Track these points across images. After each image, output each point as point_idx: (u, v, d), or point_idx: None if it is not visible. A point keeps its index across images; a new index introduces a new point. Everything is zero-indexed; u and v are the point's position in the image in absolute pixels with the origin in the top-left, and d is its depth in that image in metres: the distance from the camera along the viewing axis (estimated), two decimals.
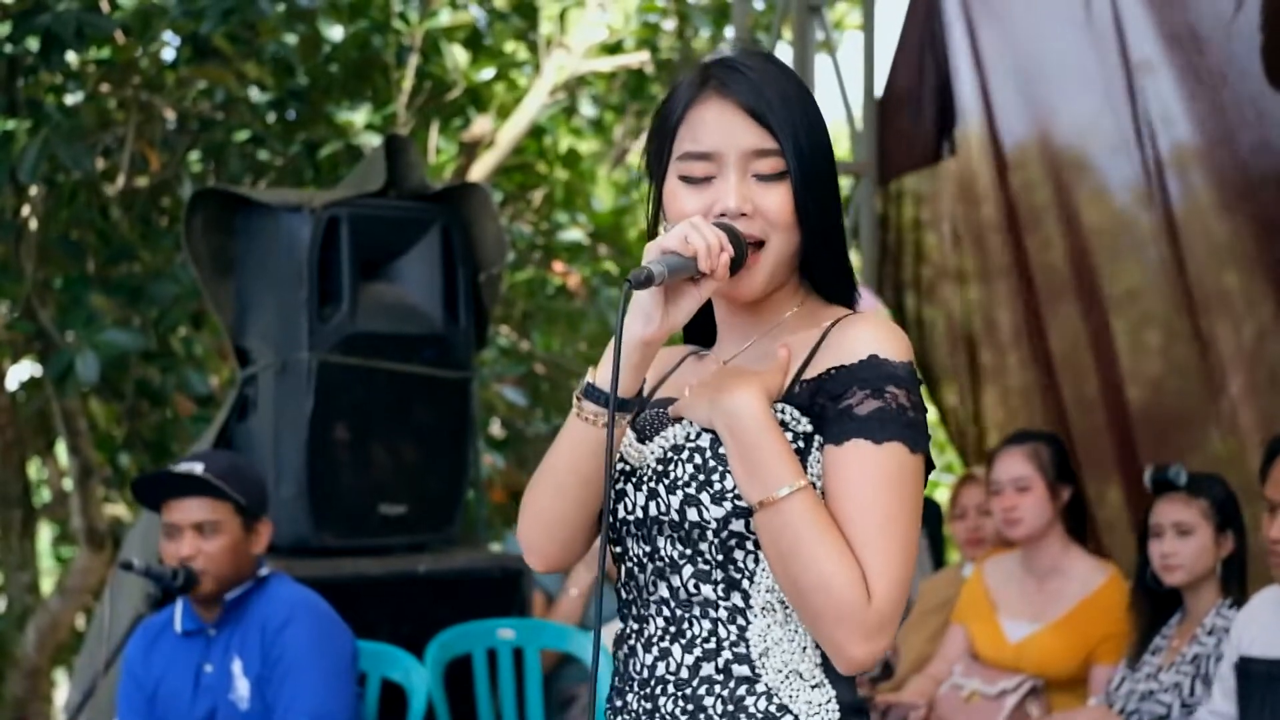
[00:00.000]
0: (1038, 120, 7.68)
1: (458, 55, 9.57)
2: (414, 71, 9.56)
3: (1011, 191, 7.80)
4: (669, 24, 11.34)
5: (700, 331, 2.76)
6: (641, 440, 2.60)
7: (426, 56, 9.59)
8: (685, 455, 2.52)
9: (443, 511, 6.46)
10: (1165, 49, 7.05)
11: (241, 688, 5.05)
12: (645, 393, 2.71)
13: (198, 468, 5.08)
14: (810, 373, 2.52)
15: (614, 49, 11.21)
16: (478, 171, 10.29)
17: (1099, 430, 7.43)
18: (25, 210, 8.57)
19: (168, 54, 8.55)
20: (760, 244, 2.56)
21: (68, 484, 10.44)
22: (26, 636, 10.05)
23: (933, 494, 9.13)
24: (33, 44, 7.47)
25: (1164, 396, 7.28)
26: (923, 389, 2.52)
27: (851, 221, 8.61)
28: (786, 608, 2.49)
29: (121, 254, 8.66)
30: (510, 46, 10.50)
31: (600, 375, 2.55)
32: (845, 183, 10.21)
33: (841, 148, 11.55)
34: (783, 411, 2.49)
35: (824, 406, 2.48)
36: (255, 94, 8.97)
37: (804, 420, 2.49)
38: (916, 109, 8.22)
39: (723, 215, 2.55)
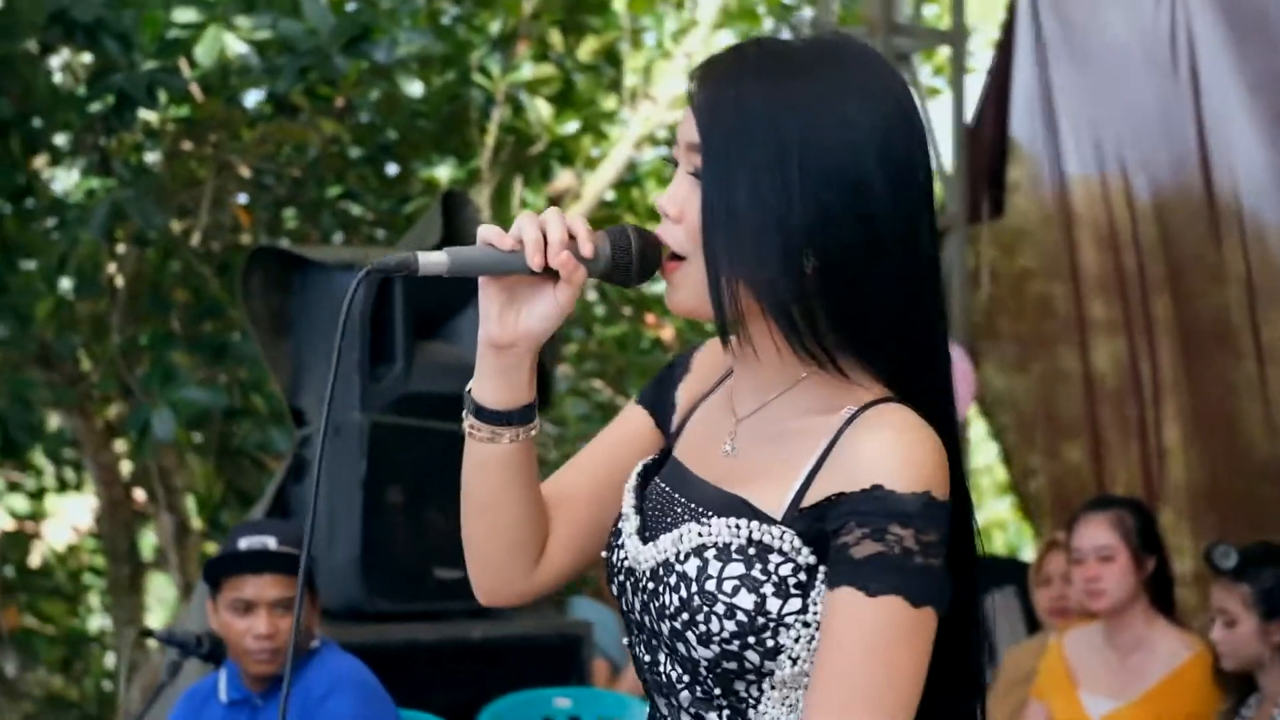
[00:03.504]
0: (1183, 168, 7.55)
1: (541, 109, 9.52)
2: (498, 125, 9.52)
3: (1157, 241, 7.65)
4: None
5: None
6: (644, 534, 2.29)
7: (514, 110, 9.55)
8: (673, 581, 2.19)
9: None
10: None
11: None
12: (677, 420, 2.43)
13: (270, 542, 4.98)
14: (815, 493, 2.14)
15: None
16: (562, 212, 10.23)
17: (1255, 487, 7.26)
18: (112, 268, 8.61)
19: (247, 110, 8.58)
20: (683, 256, 2.23)
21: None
22: (130, 695, 10.07)
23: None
24: (109, 102, 7.49)
25: None
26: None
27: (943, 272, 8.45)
28: None
29: (209, 312, 8.68)
30: (597, 99, 10.44)
31: (475, 386, 2.32)
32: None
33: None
34: (781, 538, 2.13)
35: (825, 541, 2.13)
36: (351, 150, 9.00)
37: (805, 550, 2.13)
38: (1030, 156, 8.10)
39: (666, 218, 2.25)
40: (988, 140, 8.23)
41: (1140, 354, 7.79)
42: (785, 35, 2.71)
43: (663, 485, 2.32)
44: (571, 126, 10.00)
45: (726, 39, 11.25)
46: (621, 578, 2.30)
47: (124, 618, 10.51)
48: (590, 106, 10.21)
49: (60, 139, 8.28)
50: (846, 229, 2.12)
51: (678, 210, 2.21)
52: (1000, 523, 14.83)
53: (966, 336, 8.28)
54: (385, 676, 5.14)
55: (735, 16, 11.12)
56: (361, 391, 6.09)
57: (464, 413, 2.33)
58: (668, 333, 11.05)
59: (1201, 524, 7.45)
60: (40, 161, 8.48)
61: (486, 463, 2.33)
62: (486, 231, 2.22)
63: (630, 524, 2.31)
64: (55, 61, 8.33)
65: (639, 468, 2.38)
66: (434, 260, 2.18)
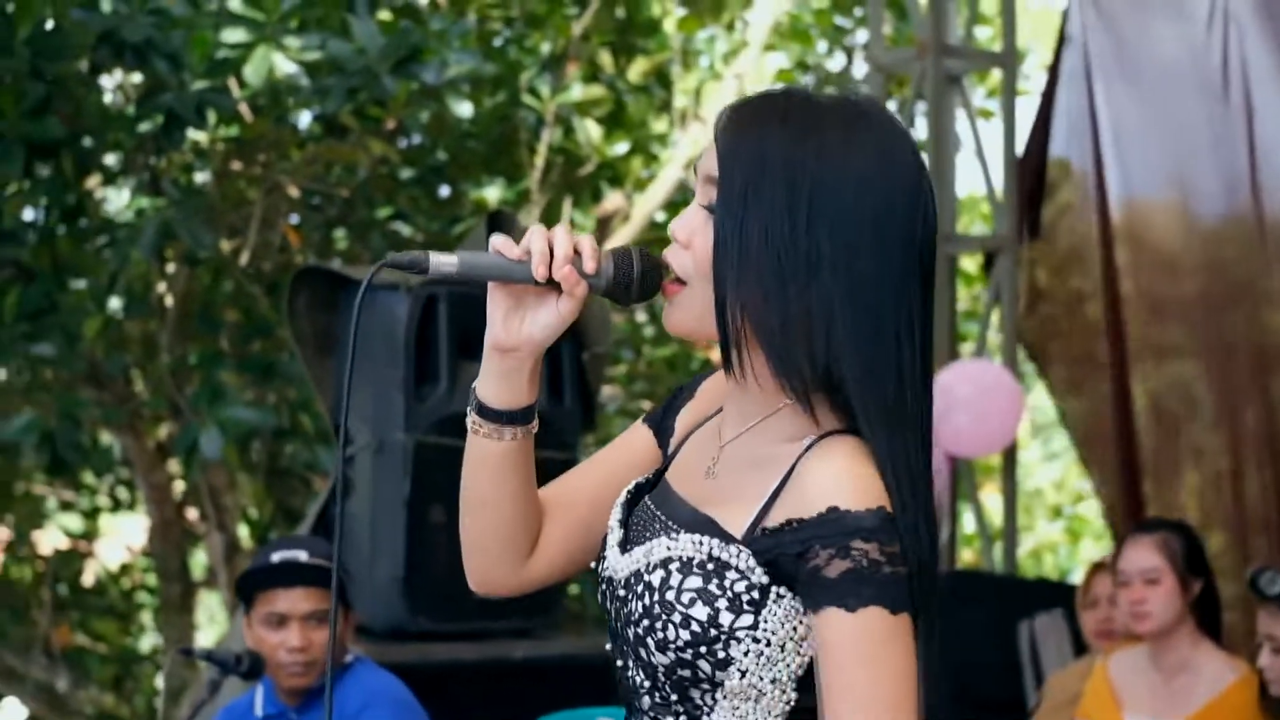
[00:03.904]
0: (1236, 192, 7.53)
1: (591, 130, 9.52)
2: (548, 147, 9.53)
3: (1211, 265, 7.61)
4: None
5: None
6: (624, 546, 2.43)
7: (564, 131, 9.56)
8: (639, 590, 2.33)
9: (544, 595, 6.30)
10: None
11: None
12: (675, 443, 2.55)
13: (302, 555, 4.98)
14: (773, 517, 2.27)
15: None
16: (613, 246, 10.23)
17: None
18: (162, 287, 8.65)
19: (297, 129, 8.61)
20: (685, 281, 2.34)
21: None
22: (181, 711, 10.09)
23: None
24: (158, 122, 7.52)
25: None
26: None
27: (992, 293, 8.42)
28: None
29: (258, 331, 8.70)
30: (646, 120, 10.44)
31: (480, 384, 2.45)
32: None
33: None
34: (738, 556, 2.26)
35: (791, 564, 2.23)
36: (401, 171, 9.02)
37: (759, 570, 2.25)
38: (1080, 177, 8.07)
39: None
40: (1035, 162, 8.20)
41: (1195, 377, 7.75)
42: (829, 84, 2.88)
43: (650, 503, 2.45)
44: (621, 148, 10.01)
45: (778, 61, 11.25)
46: (604, 586, 2.44)
47: (175, 636, 10.54)
48: (640, 128, 10.21)
49: (110, 159, 8.32)
50: (835, 280, 2.26)
51: (686, 237, 2.33)
52: (1051, 545, 14.76)
53: (1017, 359, 8.25)
54: (427, 696, 5.13)
55: (787, 38, 11.12)
56: (406, 411, 6.10)
57: (468, 409, 2.46)
58: (717, 354, 11.03)
59: (1253, 549, 7.40)
60: (92, 181, 8.52)
61: (486, 459, 2.47)
62: (498, 240, 2.34)
63: (614, 536, 2.45)
64: (106, 81, 8.37)
65: (631, 485, 2.52)
66: (444, 261, 2.28)
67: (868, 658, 2.19)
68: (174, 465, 9.98)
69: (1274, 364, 7.46)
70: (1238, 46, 7.52)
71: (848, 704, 2.19)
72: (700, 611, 2.25)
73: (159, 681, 11.73)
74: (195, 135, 7.89)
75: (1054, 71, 8.26)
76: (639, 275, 2.35)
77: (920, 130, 8.58)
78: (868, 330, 2.26)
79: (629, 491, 2.51)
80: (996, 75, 9.98)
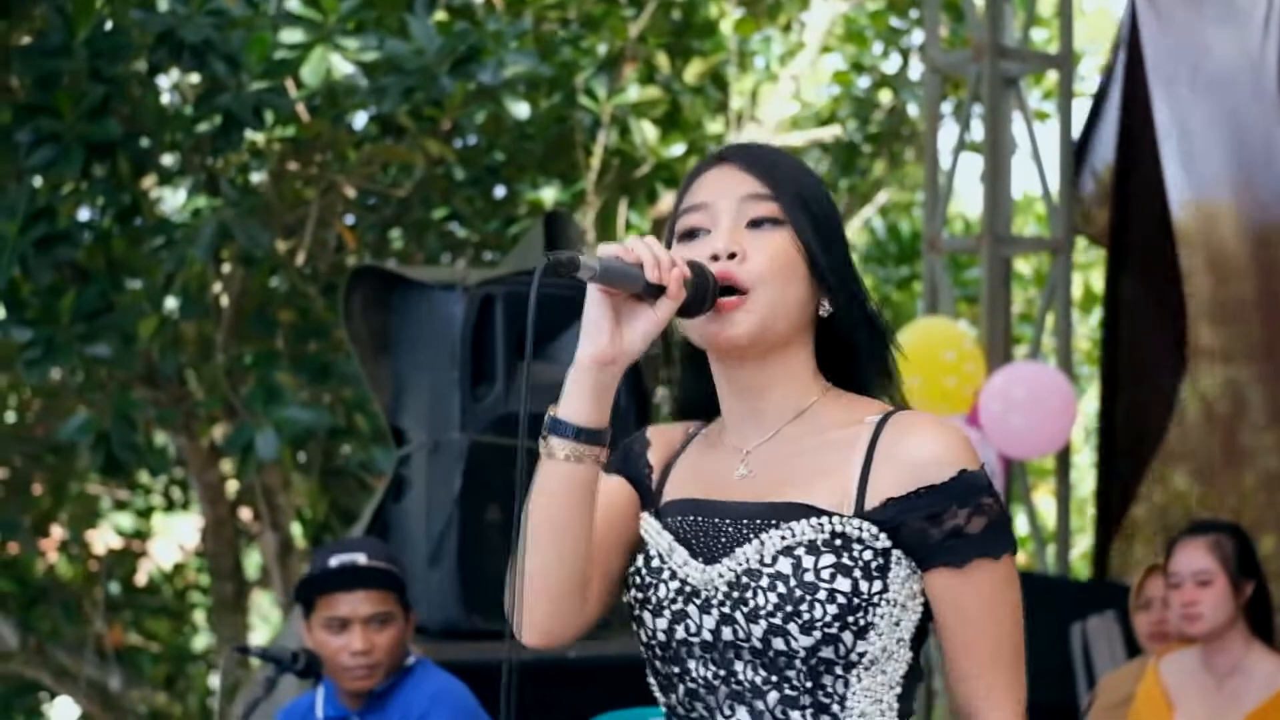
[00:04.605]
0: None
1: (647, 131, 9.53)
2: (604, 148, 9.54)
3: (1270, 269, 7.59)
4: (884, 96, 11.23)
5: (697, 406, 2.65)
6: (700, 558, 2.49)
7: (620, 133, 9.57)
8: (765, 583, 2.42)
9: None
10: None
11: None
12: (655, 479, 2.64)
13: (361, 558, 4.99)
14: (884, 483, 2.44)
15: (827, 121, 11.14)
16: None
17: None
18: (217, 287, 8.67)
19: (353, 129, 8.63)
20: (744, 291, 2.48)
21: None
22: (235, 709, 10.12)
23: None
24: (215, 123, 7.54)
25: None
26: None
27: (1046, 299, 8.41)
28: None
29: (314, 332, 8.72)
30: (703, 122, 10.44)
31: (564, 407, 2.48)
32: (1043, 259, 9.98)
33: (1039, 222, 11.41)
34: (859, 529, 2.42)
35: (919, 528, 2.43)
36: (457, 172, 9.03)
37: (882, 537, 2.43)
38: (1140, 182, 8.05)
39: (714, 259, 2.48)
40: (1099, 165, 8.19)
41: (1249, 380, 7.73)
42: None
43: (690, 518, 2.54)
44: (677, 149, 10.02)
45: (834, 62, 11.25)
46: (679, 605, 2.48)
47: (227, 635, 10.59)
48: (696, 129, 10.22)
49: (167, 159, 8.35)
50: (852, 268, 2.58)
51: (742, 251, 2.48)
52: (1115, 548, 14.69)
53: (1072, 361, 8.23)
54: (482, 695, 5.13)
55: (843, 39, 11.12)
56: (462, 411, 6.09)
57: (543, 435, 2.49)
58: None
59: None
60: (147, 182, 8.56)
61: (568, 484, 2.48)
62: (610, 247, 2.42)
63: (679, 554, 2.50)
64: (163, 82, 8.40)
65: (651, 514, 2.60)
66: (589, 263, 2.37)
67: (1000, 602, 2.45)
68: (227, 465, 10.02)
69: None
70: None
71: (983, 649, 2.45)
72: (843, 584, 2.39)
73: (212, 680, 11.77)
74: (252, 135, 7.92)
75: (1109, 75, 8.24)
76: (713, 284, 2.45)
77: (976, 132, 8.57)
78: (874, 325, 2.61)
79: (654, 513, 2.60)
80: (1052, 77, 9.98)
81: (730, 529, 2.48)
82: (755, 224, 2.50)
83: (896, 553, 2.42)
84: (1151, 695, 5.73)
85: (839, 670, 2.40)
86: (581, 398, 2.46)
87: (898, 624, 2.42)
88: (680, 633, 2.48)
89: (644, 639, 2.55)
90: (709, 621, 2.45)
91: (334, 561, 4.97)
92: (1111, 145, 8.22)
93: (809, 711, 2.42)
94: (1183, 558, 5.59)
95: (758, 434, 2.54)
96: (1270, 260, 7.66)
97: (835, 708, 2.42)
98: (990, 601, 2.44)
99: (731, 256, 2.47)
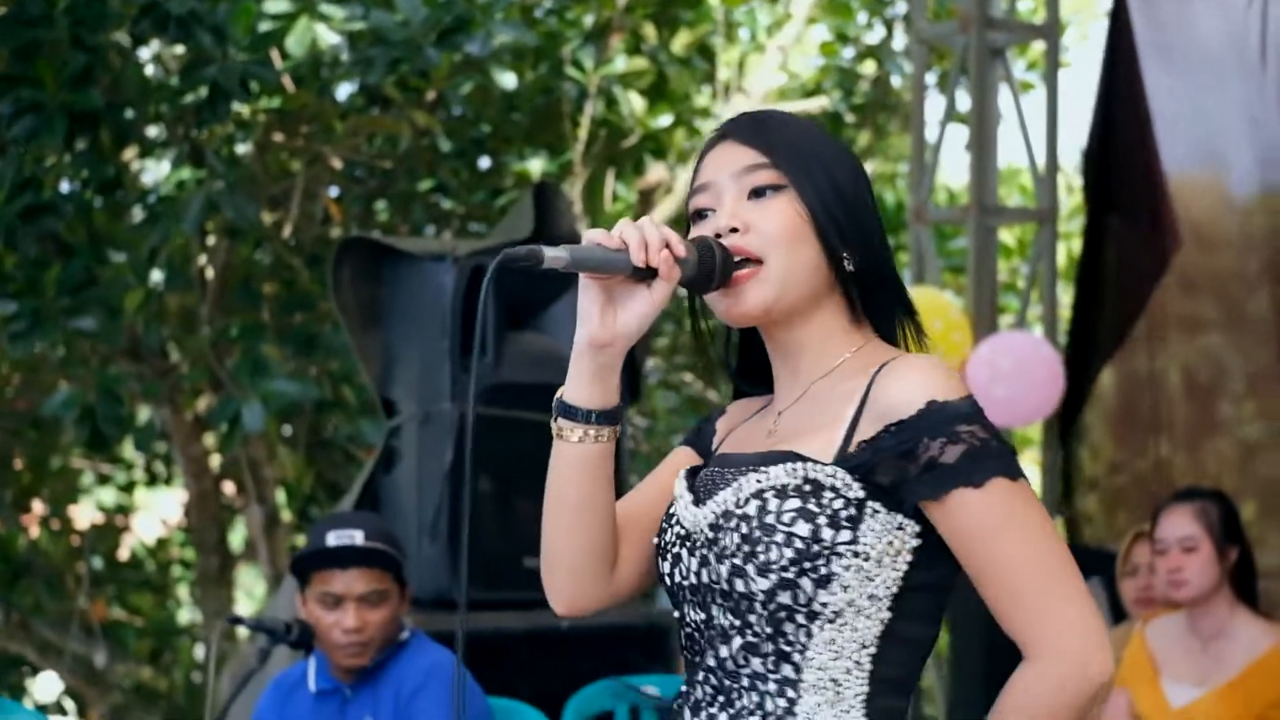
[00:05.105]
0: (1273, 168, 7.53)
1: (634, 102, 9.51)
2: (590, 119, 9.53)
3: (1245, 241, 7.61)
4: (868, 67, 11.23)
5: (758, 374, 2.67)
6: (698, 503, 2.51)
7: (607, 104, 9.55)
8: (733, 523, 2.42)
9: None
10: None
11: None
12: (717, 442, 2.68)
13: (358, 536, 4.98)
14: (864, 430, 2.41)
15: (812, 93, 11.13)
16: (656, 219, 10.20)
17: None
18: (202, 260, 8.65)
19: (339, 101, 8.60)
20: (758, 261, 2.49)
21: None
22: (220, 683, 10.12)
23: None
24: (201, 94, 7.52)
25: None
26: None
27: (1032, 268, 8.42)
28: (839, 686, 2.40)
29: (299, 304, 8.70)
30: (690, 93, 10.43)
31: (568, 390, 2.51)
32: (1030, 229, 10.01)
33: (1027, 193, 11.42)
34: (833, 475, 2.39)
35: (895, 467, 2.38)
36: (442, 143, 9.01)
37: (855, 485, 2.39)
38: (1125, 154, 8.05)
39: (718, 237, 2.50)
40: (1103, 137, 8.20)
41: (1230, 350, 7.76)
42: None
43: (711, 469, 2.57)
44: (664, 120, 10.00)
45: (820, 34, 11.23)
46: (677, 549, 2.52)
47: (213, 609, 10.57)
48: (683, 100, 10.20)
49: (151, 131, 8.32)
50: (869, 213, 2.56)
51: (744, 223, 2.49)
52: (1088, 515, 14.73)
53: (1057, 331, 8.25)
54: (474, 665, 5.13)
55: (829, 10, 11.11)
56: (452, 382, 6.10)
57: (553, 418, 2.53)
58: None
59: None
60: (129, 154, 8.52)
61: (578, 463, 2.53)
62: (593, 233, 2.44)
63: (684, 500, 2.54)
64: (145, 53, 8.37)
65: (685, 470, 2.62)
66: (556, 255, 2.35)
67: (1009, 525, 2.35)
68: (212, 438, 10.01)
69: None
70: (1276, 25, 7.51)
71: (1011, 576, 2.35)
72: (802, 528, 2.37)
73: (198, 653, 11.76)
74: (237, 107, 7.89)
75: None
76: (720, 260, 2.46)
77: (962, 102, 8.57)
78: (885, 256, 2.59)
79: (686, 471, 2.61)
80: (1037, 48, 9.99)
81: (729, 475, 2.50)
82: (757, 193, 2.51)
83: (873, 504, 2.38)
84: (1137, 660, 5.76)
85: (800, 619, 2.38)
86: (583, 381, 2.50)
87: (869, 579, 2.38)
88: (677, 575, 2.51)
89: (661, 584, 2.59)
90: (694, 564, 2.48)
91: (331, 539, 4.96)
92: (1109, 115, 8.21)
93: (770, 659, 2.41)
94: (1168, 524, 5.62)
95: (792, 394, 2.56)
96: (1249, 232, 7.68)
97: (796, 657, 2.40)
98: (983, 536, 2.35)
99: (734, 231, 2.49)
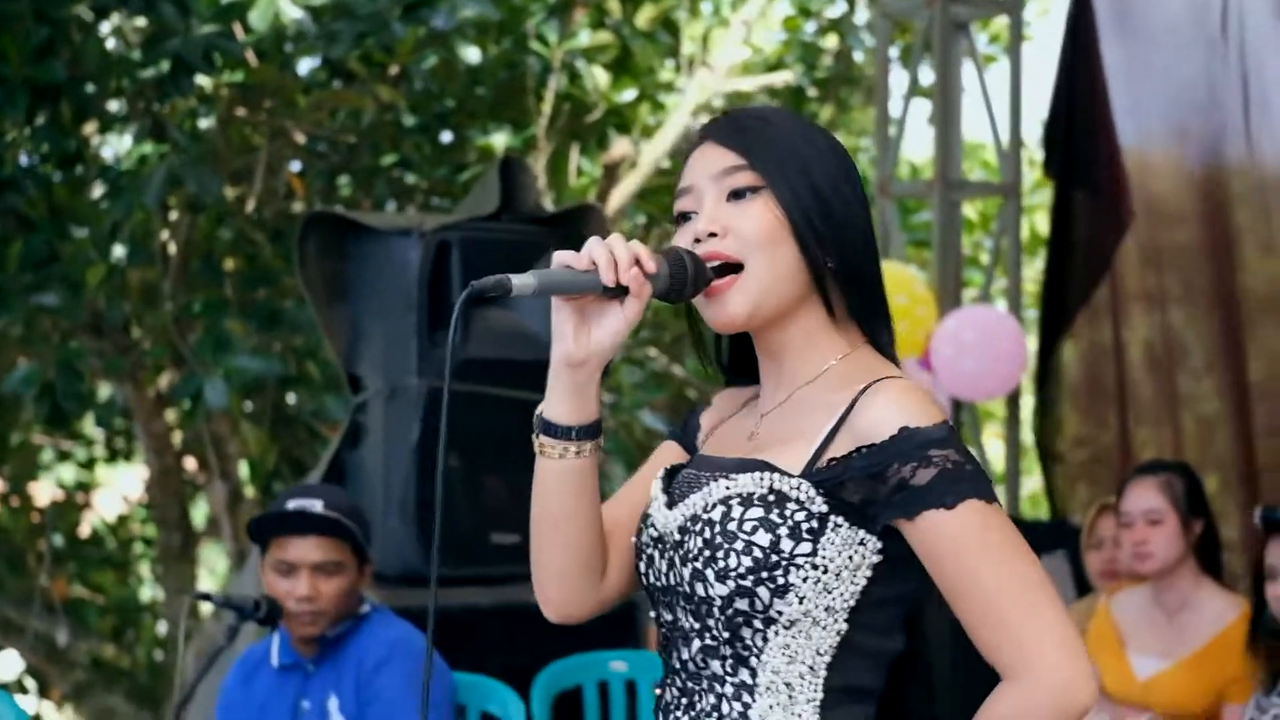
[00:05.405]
0: (1231, 140, 7.54)
1: (598, 76, 9.50)
2: (554, 93, 9.51)
3: (1203, 215, 7.62)
4: (829, 41, 11.23)
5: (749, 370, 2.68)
6: (670, 505, 2.55)
7: (571, 78, 9.54)
8: (698, 528, 2.46)
9: None
10: None
11: None
12: (701, 438, 2.71)
13: (316, 505, 4.97)
14: (838, 448, 2.43)
15: (774, 67, 11.12)
16: (620, 194, 10.24)
17: None
18: (164, 235, 8.61)
19: (302, 75, 8.56)
20: (737, 267, 2.48)
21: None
22: (185, 660, 10.09)
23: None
24: (163, 68, 7.48)
25: None
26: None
27: (996, 241, 8.44)
28: (791, 689, 2.43)
29: (262, 280, 8.67)
30: (654, 67, 10.42)
31: (547, 407, 2.52)
32: (993, 202, 10.02)
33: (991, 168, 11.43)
34: (798, 488, 2.41)
35: (865, 487, 2.39)
36: (406, 118, 8.98)
37: (819, 500, 2.40)
38: (1085, 129, 8.05)
39: (697, 242, 2.50)
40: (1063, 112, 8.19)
41: (1188, 324, 7.78)
42: None
43: (689, 470, 2.60)
44: (628, 94, 10.00)
45: (783, 9, 11.22)
46: (650, 550, 2.55)
47: (175, 587, 10.55)
48: (647, 74, 10.20)
49: (112, 105, 8.27)
50: (857, 221, 2.54)
51: (722, 227, 2.49)
52: (1051, 488, 14.78)
53: (1021, 305, 8.26)
54: (442, 641, 5.12)
55: None
56: (419, 357, 6.08)
57: (535, 435, 2.53)
58: None
59: (1243, 492, 7.45)
60: (89, 128, 8.47)
61: (562, 478, 2.54)
62: (562, 255, 2.44)
63: (658, 501, 2.57)
64: (105, 27, 8.31)
65: (665, 469, 2.65)
66: (524, 282, 2.36)
67: (982, 546, 2.36)
68: (173, 414, 9.97)
69: (1263, 311, 7.48)
70: None
71: (990, 600, 2.35)
72: (762, 538, 2.39)
73: (160, 629, 11.74)
74: (200, 81, 7.85)
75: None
76: (693, 273, 2.47)
77: (925, 77, 8.57)
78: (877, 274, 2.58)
79: (665, 470, 2.65)
80: (1000, 22, 9.98)
81: (703, 479, 2.52)
82: (735, 195, 2.51)
83: (836, 519, 2.39)
84: (1103, 632, 5.78)
85: (757, 624, 2.41)
86: (561, 398, 2.50)
87: (827, 591, 2.40)
88: (651, 576, 2.55)
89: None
90: (663, 566, 2.51)
91: (291, 505, 4.97)
92: (1070, 90, 8.21)
93: (729, 662, 2.44)
94: (1134, 497, 5.64)
95: (774, 398, 2.57)
96: (1207, 207, 7.70)
97: (753, 661, 2.43)
98: (956, 556, 2.36)
99: (712, 236, 2.49)
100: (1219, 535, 5.75)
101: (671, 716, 2.52)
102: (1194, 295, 7.75)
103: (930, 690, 2.57)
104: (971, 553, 2.35)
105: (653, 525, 2.55)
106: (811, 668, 2.42)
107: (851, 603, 2.41)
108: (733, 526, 2.40)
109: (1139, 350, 8.03)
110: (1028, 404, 8.49)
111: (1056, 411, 8.33)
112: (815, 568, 2.38)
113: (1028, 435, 9.15)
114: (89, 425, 10.87)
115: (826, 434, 2.44)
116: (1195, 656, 5.51)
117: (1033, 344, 8.26)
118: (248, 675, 5.16)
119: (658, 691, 2.58)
